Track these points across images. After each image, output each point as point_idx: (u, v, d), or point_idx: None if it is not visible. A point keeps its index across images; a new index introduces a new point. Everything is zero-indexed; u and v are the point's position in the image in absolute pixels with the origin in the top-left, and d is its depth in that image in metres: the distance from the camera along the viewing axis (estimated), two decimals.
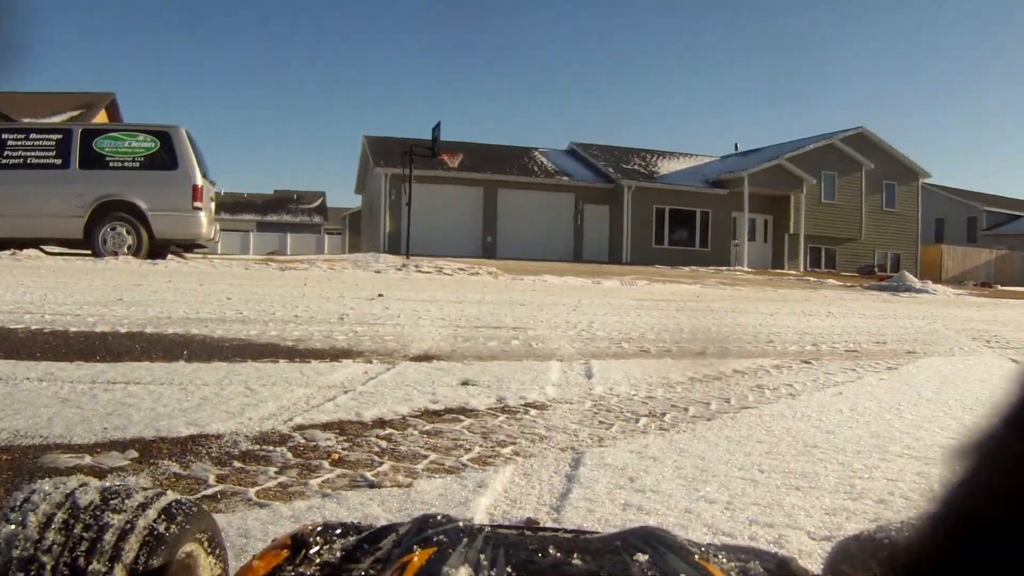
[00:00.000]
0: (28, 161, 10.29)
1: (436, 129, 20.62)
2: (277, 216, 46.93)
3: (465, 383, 2.47)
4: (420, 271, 11.60)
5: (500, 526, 0.70)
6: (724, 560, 0.65)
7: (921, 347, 4.40)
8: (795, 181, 28.15)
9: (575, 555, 0.59)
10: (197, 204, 10.53)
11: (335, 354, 3.02)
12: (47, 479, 0.64)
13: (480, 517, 1.25)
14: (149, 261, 9.84)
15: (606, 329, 4.50)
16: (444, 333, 3.91)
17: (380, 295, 6.30)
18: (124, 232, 10.38)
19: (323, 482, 1.41)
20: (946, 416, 2.28)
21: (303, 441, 1.69)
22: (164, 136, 10.62)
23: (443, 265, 12.97)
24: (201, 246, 11.61)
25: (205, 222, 10.73)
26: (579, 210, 28.17)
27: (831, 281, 17.06)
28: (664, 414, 2.16)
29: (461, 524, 0.65)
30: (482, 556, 0.58)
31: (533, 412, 2.11)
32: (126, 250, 10.33)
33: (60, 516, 0.59)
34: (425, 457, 1.61)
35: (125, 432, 1.67)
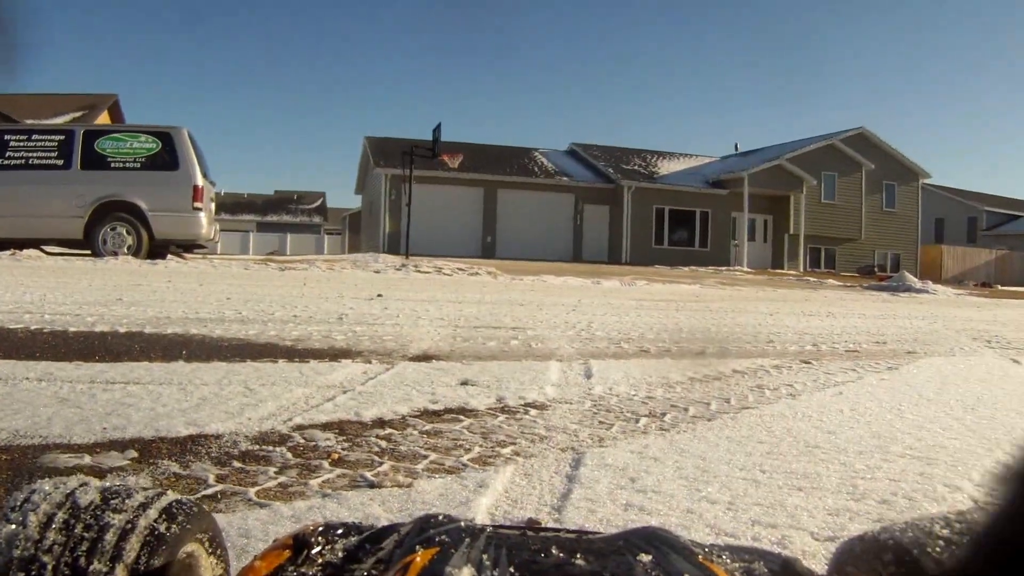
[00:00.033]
0: (30, 162, 10.30)
1: (436, 130, 20.64)
2: (277, 216, 46.93)
3: (464, 383, 2.47)
4: (419, 271, 11.60)
5: (502, 526, 0.70)
6: (728, 560, 0.65)
7: (921, 347, 4.39)
8: (795, 181, 28.16)
9: (578, 555, 0.59)
10: (197, 204, 10.54)
11: (334, 354, 3.01)
12: (47, 479, 0.64)
13: (481, 517, 1.25)
14: (149, 261, 9.84)
15: (606, 329, 4.50)
16: (443, 333, 3.90)
17: (379, 295, 6.29)
18: (124, 232, 10.38)
19: (323, 482, 1.41)
20: (947, 416, 2.28)
21: (303, 441, 1.68)
22: (165, 137, 10.63)
23: (442, 265, 12.97)
24: (201, 246, 11.62)
25: (205, 222, 10.73)
26: (579, 210, 28.18)
27: (831, 281, 17.06)
28: (664, 414, 2.16)
29: (463, 524, 0.65)
30: (485, 556, 0.58)
31: (533, 412, 2.11)
32: (126, 250, 10.33)
33: (61, 516, 0.59)
34: (425, 457, 1.61)
35: (124, 432, 1.66)
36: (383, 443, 1.70)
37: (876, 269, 27.96)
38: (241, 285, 6.89)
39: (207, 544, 0.67)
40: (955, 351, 4.30)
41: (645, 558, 0.59)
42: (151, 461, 1.48)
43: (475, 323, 4.51)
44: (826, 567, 0.70)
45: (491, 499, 1.34)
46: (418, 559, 0.58)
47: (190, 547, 0.64)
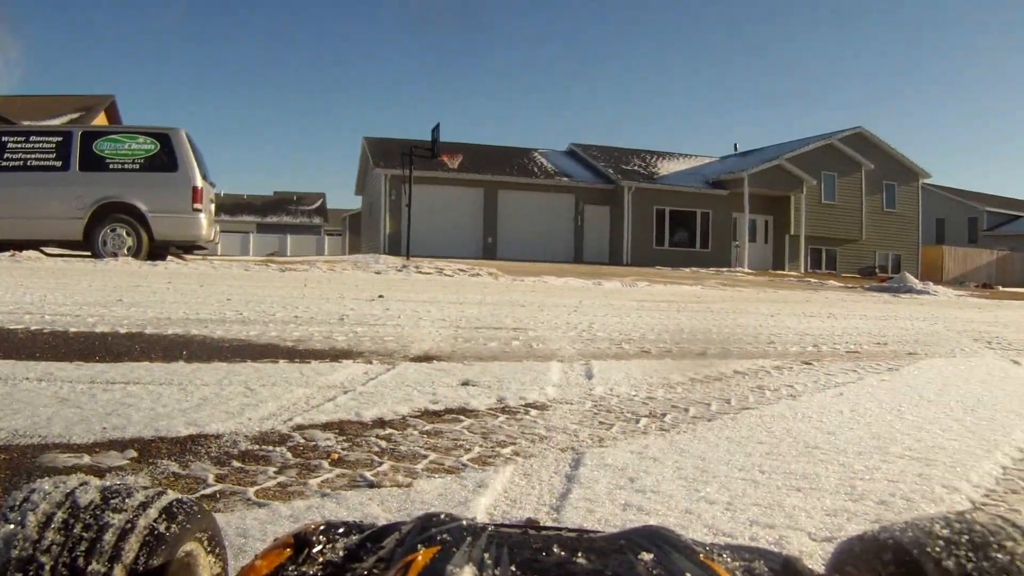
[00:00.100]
0: (28, 163, 10.30)
1: (436, 130, 20.63)
2: (277, 217, 46.94)
3: (465, 383, 2.47)
4: (420, 272, 11.60)
5: (504, 525, 0.70)
6: (729, 559, 0.64)
7: (922, 348, 4.39)
8: (795, 181, 28.16)
9: (579, 554, 0.59)
10: (197, 206, 10.54)
11: (335, 355, 3.01)
12: (47, 478, 0.64)
13: (480, 517, 1.25)
14: (149, 262, 9.84)
15: (607, 330, 4.50)
16: (444, 334, 3.90)
17: (380, 296, 6.30)
18: (124, 233, 10.38)
19: (322, 482, 1.41)
20: (947, 417, 2.28)
21: (303, 441, 1.68)
22: (164, 138, 10.63)
23: (443, 266, 12.97)
24: (201, 247, 11.61)
25: (205, 224, 10.73)
26: (579, 211, 28.18)
27: (832, 282, 17.06)
28: (664, 415, 2.16)
29: (464, 523, 0.65)
30: (486, 555, 0.58)
31: (533, 412, 2.11)
32: (126, 251, 10.33)
33: (60, 516, 0.59)
34: (425, 457, 1.61)
35: (124, 432, 1.66)
36: (383, 443, 1.70)
37: (877, 270, 27.97)
38: (242, 286, 6.89)
39: (206, 543, 0.67)
40: (956, 352, 4.30)
41: (646, 557, 0.59)
42: (151, 461, 1.48)
43: (476, 324, 4.51)
44: (824, 567, 0.70)
45: (490, 499, 1.34)
46: (419, 558, 0.58)
47: (189, 546, 0.64)
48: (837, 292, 13.14)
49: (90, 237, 10.32)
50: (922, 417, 2.26)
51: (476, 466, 1.55)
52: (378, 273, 11.06)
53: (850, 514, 1.32)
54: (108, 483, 0.65)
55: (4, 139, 10.38)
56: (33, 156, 10.34)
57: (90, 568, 0.56)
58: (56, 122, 18.68)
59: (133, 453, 1.52)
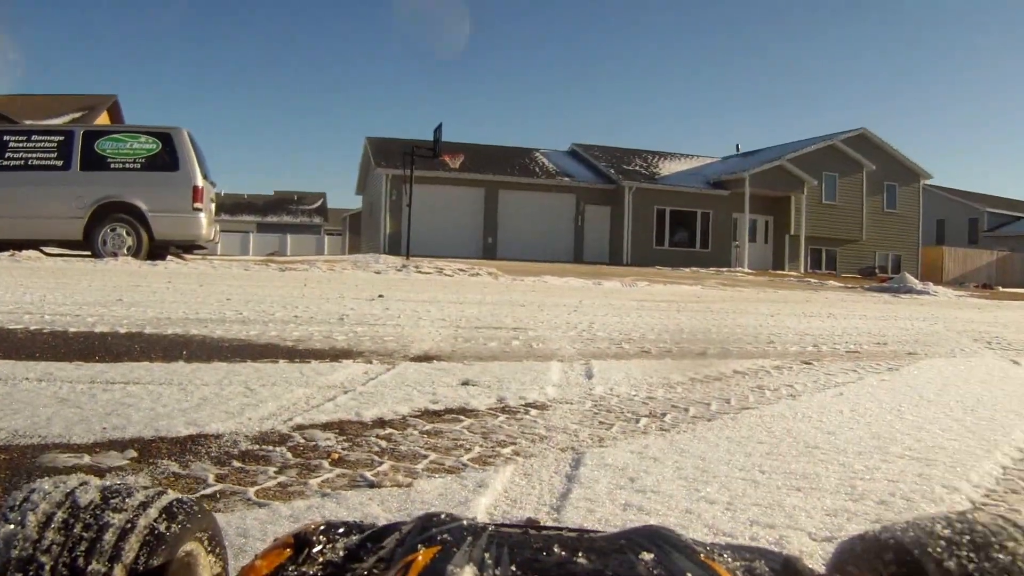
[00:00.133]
0: (29, 162, 10.30)
1: (438, 130, 20.65)
2: (277, 217, 46.94)
3: (465, 383, 2.47)
4: (420, 272, 11.60)
5: (504, 525, 0.69)
6: (729, 559, 0.64)
7: (922, 348, 4.39)
8: (796, 182, 28.15)
9: (580, 554, 0.59)
10: (197, 205, 10.54)
11: (335, 354, 3.01)
12: (47, 478, 0.64)
13: (480, 517, 1.25)
14: (149, 262, 9.84)
15: (607, 330, 4.50)
16: (444, 334, 3.90)
17: (380, 296, 6.29)
18: (124, 233, 10.38)
19: (323, 482, 1.41)
20: (947, 417, 2.28)
21: (303, 441, 1.68)
22: (165, 137, 10.63)
23: (443, 266, 12.97)
24: (201, 247, 11.62)
25: (205, 223, 10.73)
26: (580, 211, 28.18)
27: (832, 282, 17.06)
28: (665, 414, 2.16)
29: (465, 523, 0.65)
30: (487, 555, 0.58)
31: (533, 412, 2.11)
32: (126, 251, 10.33)
33: (60, 515, 0.59)
34: (425, 457, 1.60)
35: (124, 432, 1.66)
36: (383, 443, 1.70)
37: (877, 270, 27.96)
38: (241, 286, 6.89)
39: (206, 543, 0.67)
40: (956, 352, 4.29)
41: (647, 556, 0.59)
42: (151, 461, 1.48)
43: (476, 324, 4.51)
44: (824, 567, 0.70)
45: (490, 499, 1.34)
46: (420, 558, 0.58)
47: (189, 546, 0.64)
48: (837, 292, 13.14)
49: (90, 237, 10.32)
50: (922, 417, 2.26)
51: (476, 466, 1.55)
52: (378, 273, 11.06)
53: (850, 514, 1.32)
54: (108, 483, 0.65)
55: (5, 138, 10.38)
56: (34, 155, 10.34)
57: (90, 568, 0.55)
58: (58, 121, 18.69)
59: (133, 453, 1.52)
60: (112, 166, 10.47)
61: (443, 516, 0.66)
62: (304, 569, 0.63)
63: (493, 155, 29.03)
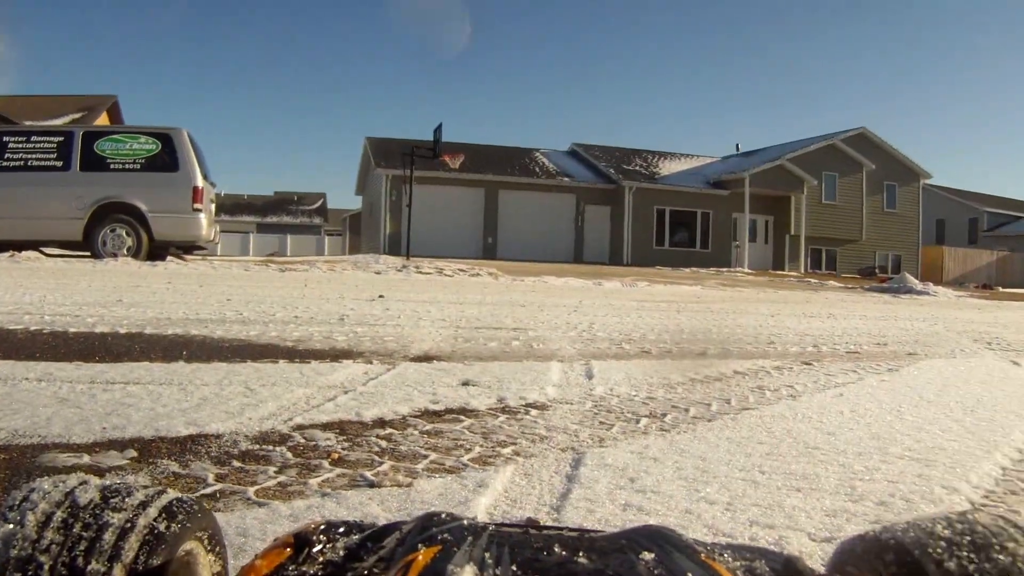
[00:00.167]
0: (29, 163, 10.30)
1: (438, 130, 20.66)
2: (277, 217, 46.93)
3: (465, 383, 2.47)
4: (420, 272, 11.60)
5: (504, 525, 0.69)
6: (730, 559, 0.64)
7: (922, 349, 4.39)
8: (796, 182, 28.15)
9: (580, 553, 0.59)
10: (197, 206, 10.53)
11: (335, 355, 3.01)
12: (46, 478, 0.64)
13: (481, 517, 1.25)
14: (149, 263, 9.84)
15: (607, 330, 4.50)
16: (444, 334, 3.90)
17: (380, 296, 6.29)
18: (124, 234, 10.38)
19: (323, 482, 1.41)
20: (947, 418, 2.27)
21: (303, 441, 1.68)
22: (165, 138, 10.62)
23: (443, 266, 12.97)
24: (201, 248, 11.61)
25: (205, 224, 10.73)
26: (580, 211, 28.18)
27: (832, 283, 17.06)
28: (665, 415, 2.16)
29: (465, 522, 0.65)
30: (487, 554, 0.58)
31: (534, 412, 2.11)
32: (125, 252, 10.32)
33: (59, 515, 0.58)
34: (425, 457, 1.60)
35: (124, 432, 1.66)
36: (383, 443, 1.70)
37: (877, 270, 27.97)
38: (242, 286, 6.89)
39: (206, 542, 0.67)
40: (955, 353, 4.29)
41: (648, 556, 0.59)
42: (150, 460, 1.48)
43: (476, 324, 4.50)
44: (824, 567, 0.70)
45: (490, 499, 1.34)
46: (420, 557, 0.57)
47: (189, 545, 0.64)
48: (837, 292, 13.14)
49: (90, 237, 10.31)
50: (922, 418, 2.26)
51: (476, 466, 1.55)
52: (378, 273, 11.06)
53: (850, 515, 1.31)
54: (108, 482, 0.65)
55: (5, 139, 10.37)
56: (34, 156, 10.33)
57: (90, 567, 0.55)
58: (58, 122, 18.69)
59: (133, 453, 1.52)
60: (112, 167, 10.46)
61: (443, 516, 0.66)
62: (304, 569, 0.63)
63: (493, 155, 29.03)
